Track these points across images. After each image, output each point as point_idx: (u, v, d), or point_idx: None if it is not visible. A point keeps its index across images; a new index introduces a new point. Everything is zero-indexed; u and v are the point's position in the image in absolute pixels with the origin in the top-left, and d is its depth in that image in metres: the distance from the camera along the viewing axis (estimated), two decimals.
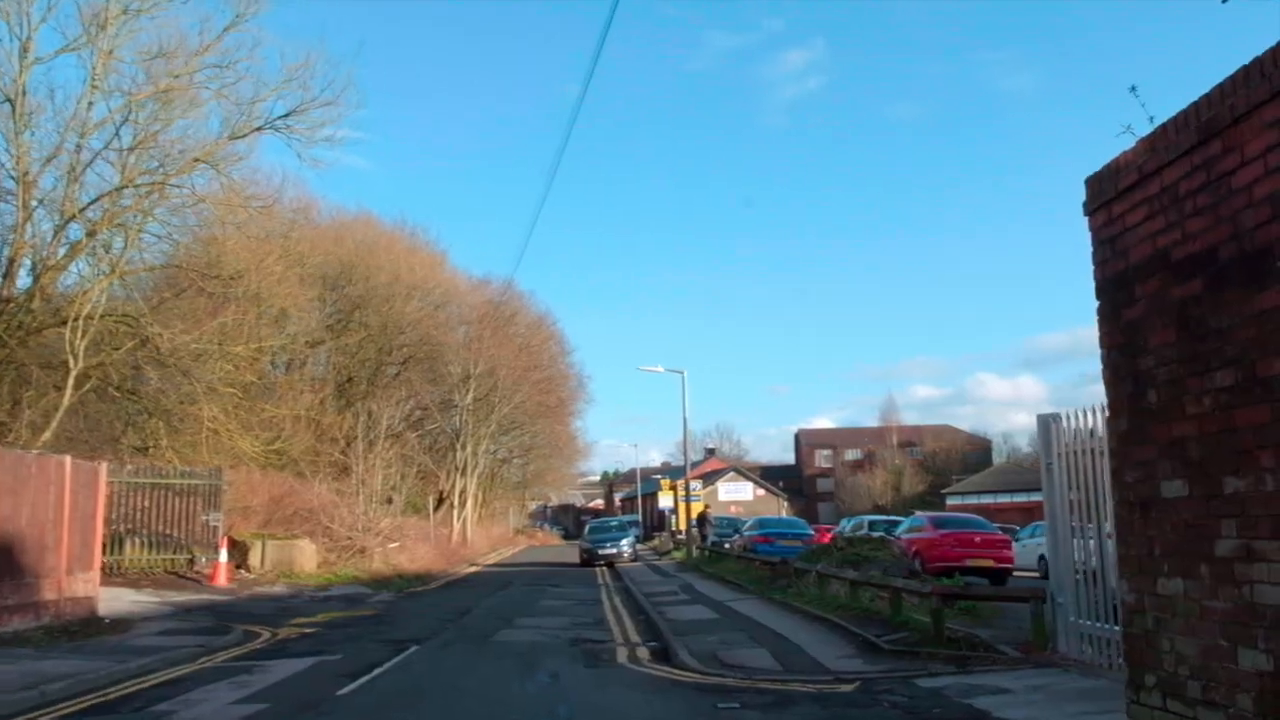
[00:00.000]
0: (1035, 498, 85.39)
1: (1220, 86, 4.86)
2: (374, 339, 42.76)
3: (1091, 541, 9.89)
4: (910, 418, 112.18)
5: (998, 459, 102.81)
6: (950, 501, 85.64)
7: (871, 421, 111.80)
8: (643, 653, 12.50)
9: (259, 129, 24.78)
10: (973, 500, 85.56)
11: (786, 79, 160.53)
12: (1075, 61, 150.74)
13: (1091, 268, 6.15)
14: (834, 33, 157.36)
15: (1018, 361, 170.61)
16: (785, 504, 76.46)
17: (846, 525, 32.95)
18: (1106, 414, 8.50)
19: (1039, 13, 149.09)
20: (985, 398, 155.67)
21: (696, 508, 54.57)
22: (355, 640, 13.70)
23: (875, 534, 28.37)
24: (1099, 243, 6.05)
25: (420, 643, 13.47)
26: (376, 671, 10.81)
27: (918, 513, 29.02)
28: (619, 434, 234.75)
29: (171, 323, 24.07)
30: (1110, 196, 5.91)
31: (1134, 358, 5.64)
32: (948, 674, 9.52)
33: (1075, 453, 10.01)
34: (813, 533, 30.19)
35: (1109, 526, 9.80)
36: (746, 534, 29.69)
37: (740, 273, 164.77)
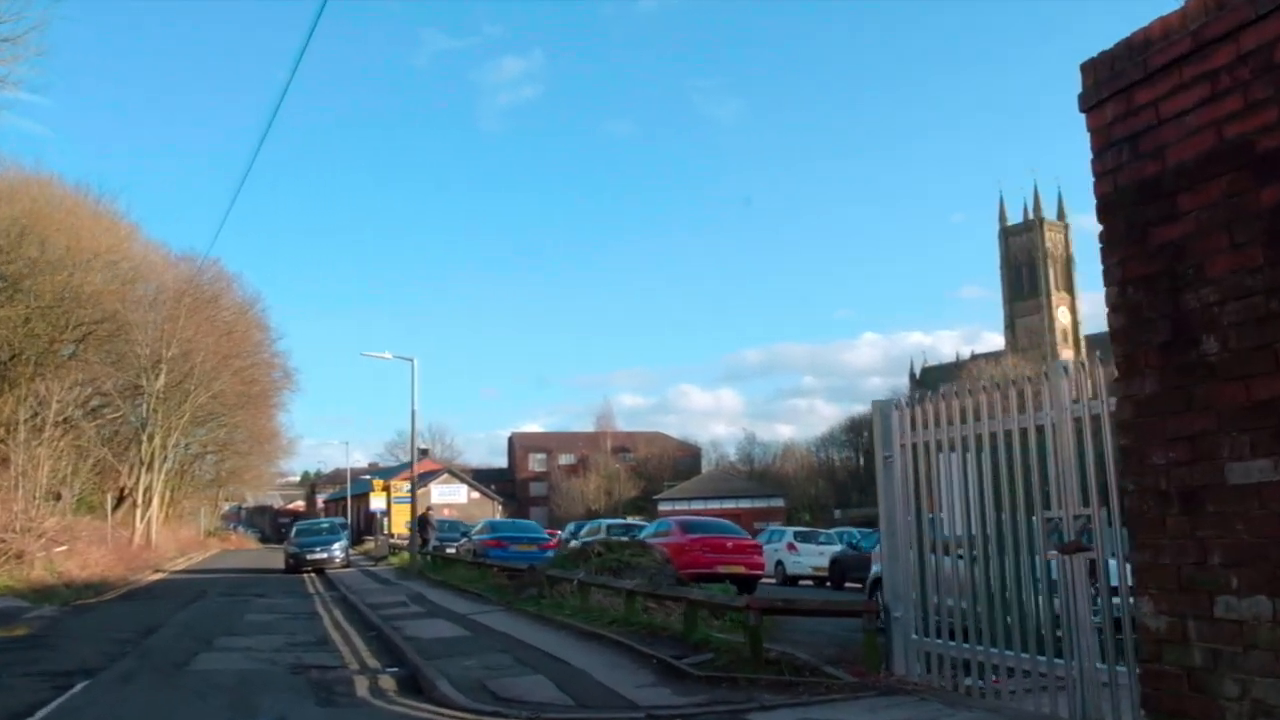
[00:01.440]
0: (744, 504, 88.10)
1: None
2: (45, 312, 36.94)
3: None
4: (622, 425, 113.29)
5: (707, 466, 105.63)
6: (662, 507, 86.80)
7: (583, 427, 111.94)
8: (387, 682, 10.12)
9: None
10: (683, 506, 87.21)
11: (503, 85, 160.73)
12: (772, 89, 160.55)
13: (1092, 180, 4.64)
14: (552, 45, 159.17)
15: (719, 375, 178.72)
16: (499, 507, 74.37)
17: (580, 529, 31.35)
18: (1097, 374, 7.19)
19: (743, 47, 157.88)
20: (688, 408, 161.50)
21: (405, 510, 51.59)
22: None
23: (618, 538, 26.97)
24: (1109, 144, 4.48)
25: (92, 675, 10.41)
26: None
27: (666, 516, 27.86)
28: (324, 432, 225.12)
29: None
30: (1134, 79, 4.36)
31: (1174, 293, 4.10)
32: (781, 705, 7.87)
33: (918, 446, 8.68)
34: (549, 537, 28.40)
35: (951, 530, 8.61)
36: (476, 538, 27.44)
37: (460, 274, 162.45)
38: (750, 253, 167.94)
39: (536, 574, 17.21)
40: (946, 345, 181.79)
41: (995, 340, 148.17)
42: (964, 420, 8.18)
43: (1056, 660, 7.22)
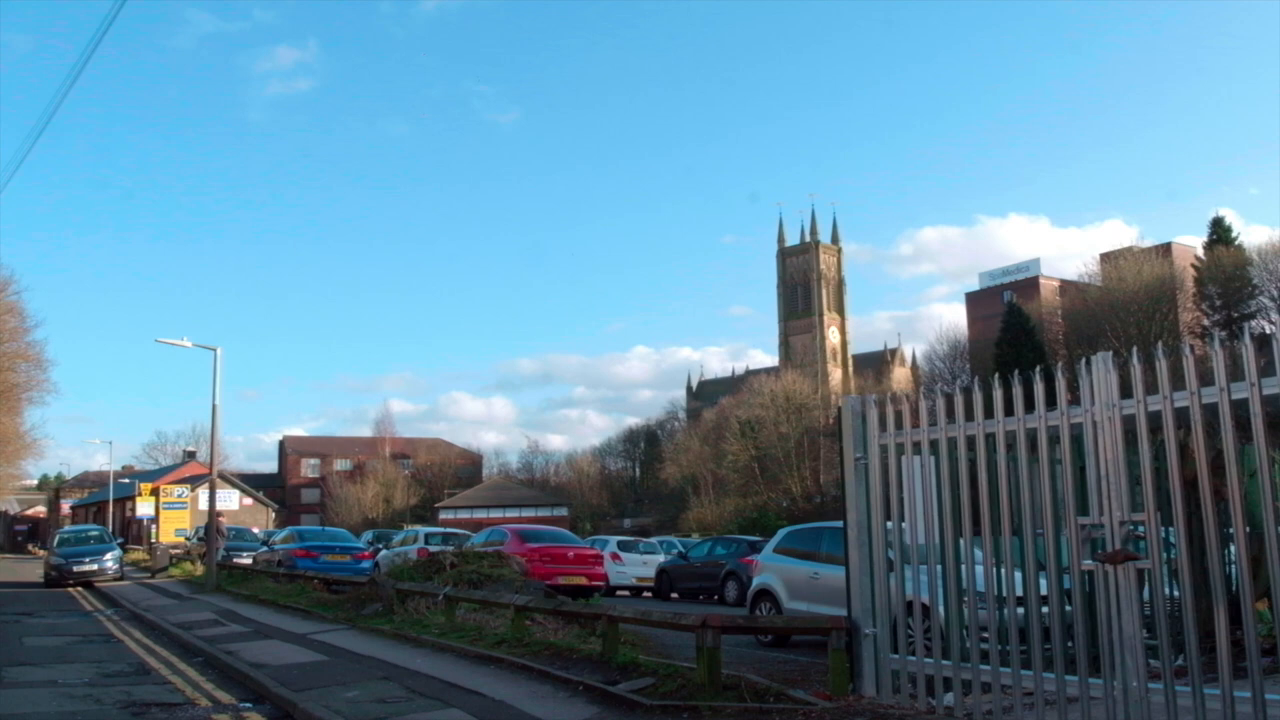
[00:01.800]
0: (527, 513, 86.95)
1: None
2: None
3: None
4: (402, 431, 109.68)
5: (488, 474, 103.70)
6: (443, 515, 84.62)
7: (356, 431, 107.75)
8: None
9: None
10: (465, 515, 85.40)
11: (275, 75, 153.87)
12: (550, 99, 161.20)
13: None
14: (328, 38, 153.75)
15: (492, 383, 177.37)
16: (273, 514, 69.88)
17: (393, 539, 29.27)
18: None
19: (522, 55, 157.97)
20: (460, 415, 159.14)
21: (178, 516, 47.40)
22: None
23: (431, 545, 25.28)
24: None
25: None
26: None
27: (502, 524, 26.33)
28: (63, 432, 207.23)
29: None
30: None
31: None
32: None
33: (904, 445, 7.86)
34: (364, 546, 26.26)
35: (931, 539, 7.85)
36: (282, 548, 24.98)
37: (217, 270, 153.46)
38: (525, 262, 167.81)
39: (380, 588, 15.45)
40: (714, 361, 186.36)
41: (760, 358, 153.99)
42: (969, 417, 7.41)
43: (1070, 678, 6.56)
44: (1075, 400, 7.01)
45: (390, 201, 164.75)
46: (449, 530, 28.65)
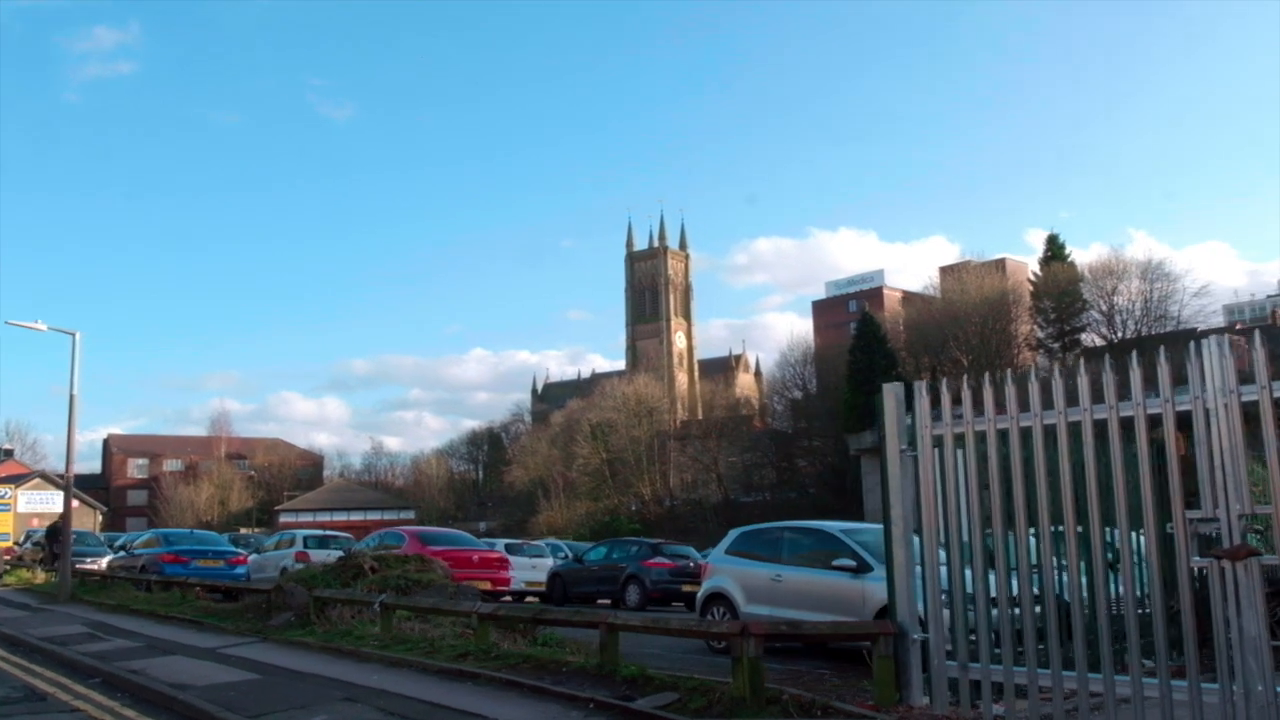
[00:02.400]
0: (373, 516, 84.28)
1: None
2: None
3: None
4: (239, 430, 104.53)
5: (331, 476, 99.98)
6: (284, 519, 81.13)
7: (178, 430, 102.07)
8: None
9: None
10: (307, 518, 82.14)
11: (93, 56, 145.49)
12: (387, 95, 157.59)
13: None
14: (151, 20, 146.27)
15: (325, 383, 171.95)
16: (100, 516, 65.20)
17: (265, 542, 27.29)
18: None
19: (357, 48, 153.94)
20: (290, 415, 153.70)
21: (4, 519, 43.42)
22: None
23: (310, 550, 23.63)
24: None
25: None
26: None
27: (397, 527, 24.78)
28: None
29: None
30: None
31: None
32: None
33: (965, 436, 7.27)
34: (237, 550, 24.28)
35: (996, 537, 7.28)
36: (146, 552, 22.83)
37: (28, 257, 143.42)
38: (359, 262, 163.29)
39: (288, 595, 14.00)
40: (553, 364, 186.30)
41: (601, 361, 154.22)
42: (1047, 406, 6.87)
43: (1177, 683, 6.12)
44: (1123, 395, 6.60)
45: (216, 194, 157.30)
46: (329, 533, 26.91)
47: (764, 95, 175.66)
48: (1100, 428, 6.63)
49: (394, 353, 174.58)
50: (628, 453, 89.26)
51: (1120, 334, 72.56)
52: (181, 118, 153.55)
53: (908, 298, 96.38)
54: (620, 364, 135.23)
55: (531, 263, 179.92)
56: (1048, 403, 6.86)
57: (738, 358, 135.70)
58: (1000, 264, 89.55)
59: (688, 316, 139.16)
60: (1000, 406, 7.15)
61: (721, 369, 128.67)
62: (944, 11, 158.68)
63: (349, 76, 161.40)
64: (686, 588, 22.29)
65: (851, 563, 11.23)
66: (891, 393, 7.89)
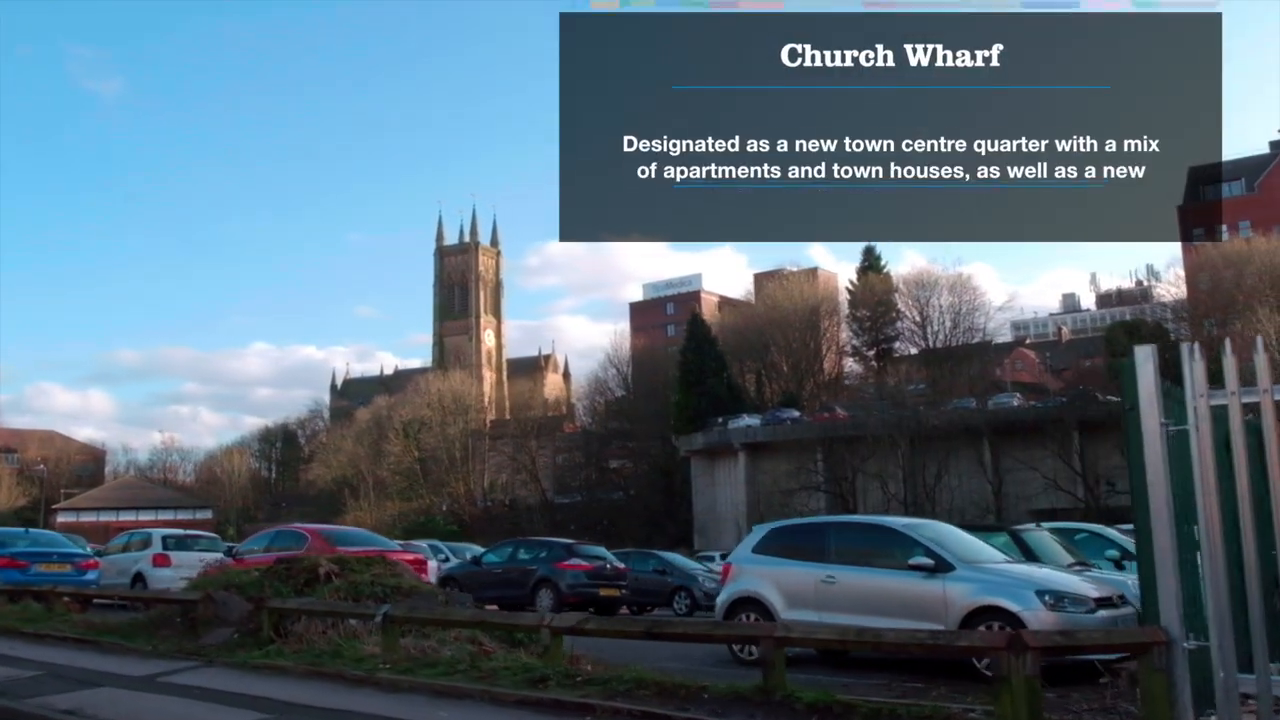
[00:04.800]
0: (166, 515, 78.31)
1: None
2: None
3: None
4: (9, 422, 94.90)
5: (115, 473, 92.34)
6: (62, 519, 74.15)
7: None
8: None
9: None
10: (89, 518, 75.80)
11: None
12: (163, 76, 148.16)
13: None
14: None
15: (88, 374, 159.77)
16: None
17: (114, 543, 23.85)
18: None
19: (130, 21, 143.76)
20: (49, 408, 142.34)
21: None
22: None
23: (170, 550, 20.66)
24: None
25: None
26: None
27: (295, 526, 21.90)
28: None
29: None
30: None
31: None
32: None
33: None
34: (89, 553, 20.87)
35: None
36: None
37: None
38: (131, 246, 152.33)
39: (224, 606, 11.55)
40: (339, 361, 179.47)
41: (387, 359, 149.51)
42: None
43: None
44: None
45: None
46: (192, 532, 23.72)
47: (546, 96, 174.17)
48: None
49: (166, 344, 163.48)
50: (441, 451, 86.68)
51: (931, 343, 75.66)
52: None
53: (724, 302, 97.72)
54: (419, 361, 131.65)
55: (318, 256, 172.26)
56: None
57: (547, 358, 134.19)
58: (814, 273, 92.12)
59: (497, 314, 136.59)
60: None
61: (529, 369, 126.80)
62: None
63: (118, 49, 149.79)
64: (604, 592, 20.81)
65: (929, 561, 10.11)
66: (1147, 357, 6.66)
